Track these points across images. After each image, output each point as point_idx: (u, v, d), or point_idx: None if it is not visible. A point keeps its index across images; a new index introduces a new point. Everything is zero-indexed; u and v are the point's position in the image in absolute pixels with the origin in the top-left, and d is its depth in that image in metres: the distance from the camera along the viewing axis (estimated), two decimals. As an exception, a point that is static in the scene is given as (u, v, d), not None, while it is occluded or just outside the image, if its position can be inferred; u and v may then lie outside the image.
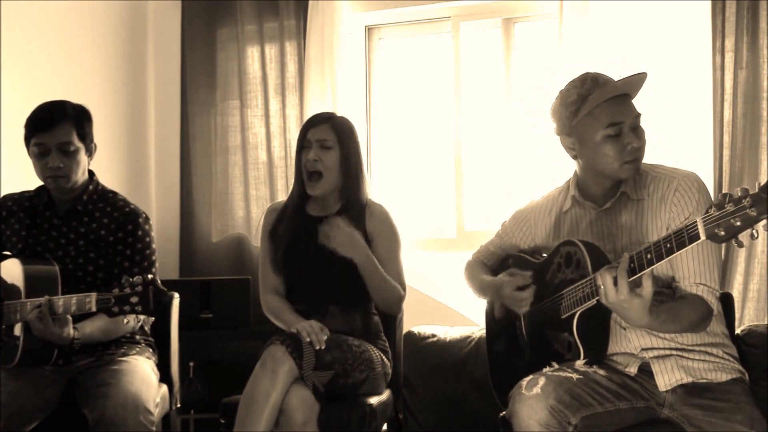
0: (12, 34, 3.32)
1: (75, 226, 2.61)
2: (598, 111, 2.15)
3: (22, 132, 3.30)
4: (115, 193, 2.71)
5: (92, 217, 2.63)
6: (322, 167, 2.70)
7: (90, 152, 2.63)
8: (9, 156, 3.27)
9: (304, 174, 2.73)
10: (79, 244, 2.60)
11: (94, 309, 2.30)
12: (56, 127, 2.53)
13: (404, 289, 2.76)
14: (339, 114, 3.80)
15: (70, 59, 3.71)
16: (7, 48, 3.28)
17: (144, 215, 2.67)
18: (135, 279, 2.28)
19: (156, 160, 4.22)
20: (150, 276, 2.29)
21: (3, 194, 2.72)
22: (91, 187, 2.66)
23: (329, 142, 2.72)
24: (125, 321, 2.35)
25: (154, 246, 2.67)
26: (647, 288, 1.88)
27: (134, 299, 2.26)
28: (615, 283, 1.90)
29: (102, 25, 3.95)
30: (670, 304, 2.06)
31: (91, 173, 2.70)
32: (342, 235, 2.61)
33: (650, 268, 1.87)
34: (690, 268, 2.09)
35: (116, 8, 4.02)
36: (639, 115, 2.18)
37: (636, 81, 2.17)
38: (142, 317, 2.47)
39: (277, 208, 2.87)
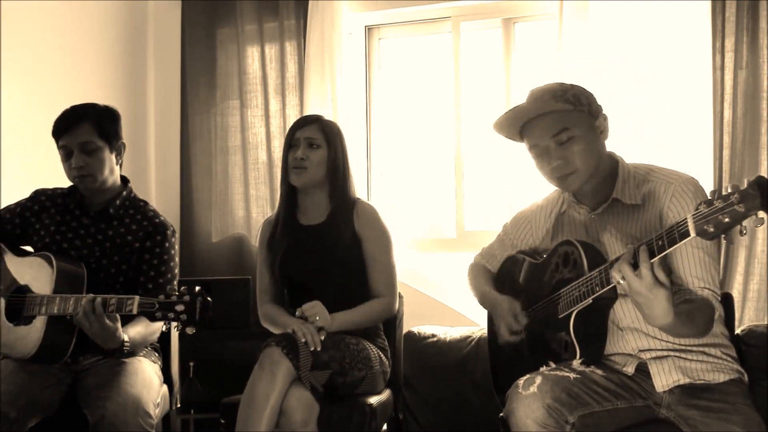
0: (12, 35, 3.32)
1: (103, 228, 2.64)
2: (525, 131, 2.20)
3: (22, 132, 3.34)
4: (146, 203, 2.75)
5: (122, 222, 2.65)
6: (308, 164, 2.73)
7: (118, 150, 2.65)
8: (9, 156, 3.27)
9: (290, 169, 2.75)
10: (105, 246, 2.62)
11: (135, 312, 2.31)
12: (75, 127, 2.57)
13: (394, 294, 2.76)
14: (338, 113, 3.81)
15: (70, 59, 3.71)
16: (7, 48, 3.29)
17: (172, 228, 2.71)
18: (183, 288, 2.30)
19: (156, 160, 4.23)
20: (199, 288, 2.31)
21: (36, 190, 2.74)
22: (124, 193, 2.70)
23: (318, 141, 2.75)
24: (163, 327, 2.36)
25: (177, 260, 2.71)
26: (663, 277, 1.82)
27: (180, 307, 2.28)
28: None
29: (102, 25, 3.95)
30: (687, 306, 2.01)
31: (125, 180, 2.74)
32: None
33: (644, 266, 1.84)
34: (694, 272, 2.06)
35: (116, 8, 4.02)
36: (557, 133, 2.13)
37: (525, 110, 2.19)
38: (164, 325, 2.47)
39: (271, 221, 2.89)
